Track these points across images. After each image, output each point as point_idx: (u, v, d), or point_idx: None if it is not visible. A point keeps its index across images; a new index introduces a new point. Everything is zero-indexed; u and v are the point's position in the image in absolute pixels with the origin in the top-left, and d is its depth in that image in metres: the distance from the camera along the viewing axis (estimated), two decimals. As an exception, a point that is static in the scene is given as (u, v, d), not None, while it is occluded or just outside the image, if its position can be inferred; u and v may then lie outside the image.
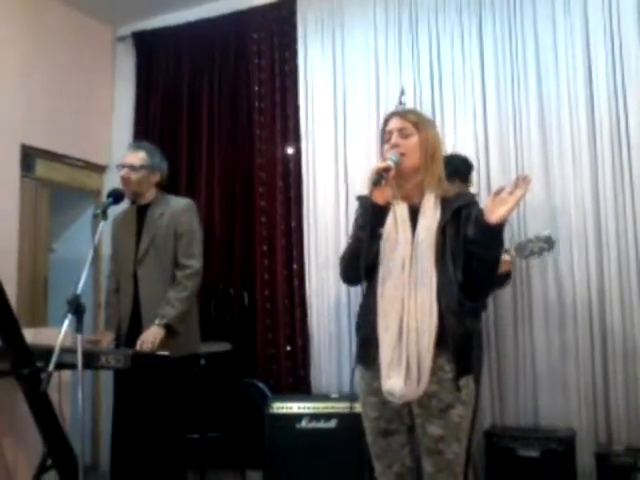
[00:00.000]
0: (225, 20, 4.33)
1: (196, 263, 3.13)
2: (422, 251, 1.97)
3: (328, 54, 3.99)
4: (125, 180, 3.13)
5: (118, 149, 4.36)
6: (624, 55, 3.28)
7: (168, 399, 3.04)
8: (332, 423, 3.33)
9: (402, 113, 2.15)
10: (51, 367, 2.05)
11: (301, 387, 3.84)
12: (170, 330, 2.97)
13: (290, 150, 4.09)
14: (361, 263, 1.94)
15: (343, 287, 3.68)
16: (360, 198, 2.16)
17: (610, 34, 3.32)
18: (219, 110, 4.32)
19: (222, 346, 3.85)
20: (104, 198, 2.76)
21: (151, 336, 2.90)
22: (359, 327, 2.13)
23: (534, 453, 3.08)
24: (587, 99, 3.34)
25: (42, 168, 4.21)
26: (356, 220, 2.17)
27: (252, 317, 4.05)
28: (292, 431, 3.35)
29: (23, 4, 4.08)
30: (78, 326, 2.14)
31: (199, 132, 4.35)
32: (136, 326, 3.05)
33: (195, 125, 4.38)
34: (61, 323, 2.12)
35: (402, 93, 3.66)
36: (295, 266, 3.97)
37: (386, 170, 1.94)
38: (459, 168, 2.99)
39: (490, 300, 3.37)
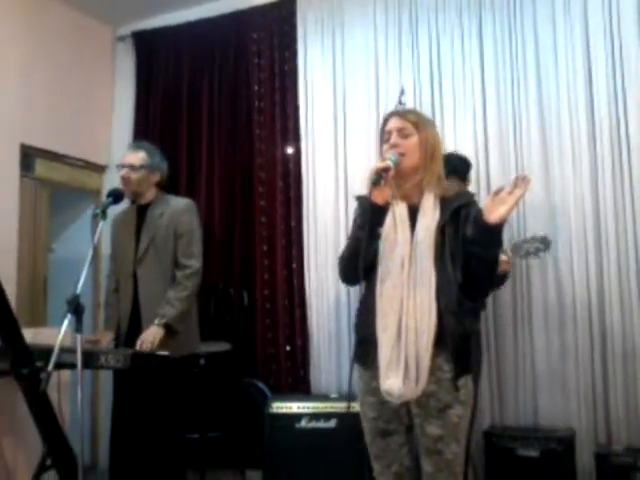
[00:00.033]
0: (225, 20, 4.32)
1: (196, 263, 3.13)
2: (421, 251, 1.97)
3: (328, 54, 3.99)
4: (125, 180, 3.13)
5: (118, 149, 4.36)
6: (624, 55, 3.27)
7: (168, 399, 3.04)
8: (332, 423, 3.34)
9: (402, 113, 2.14)
10: (50, 367, 2.05)
11: (301, 387, 3.84)
12: (170, 330, 2.97)
13: (290, 150, 4.09)
14: (360, 263, 1.94)
15: (343, 287, 3.67)
16: (359, 198, 2.16)
17: (610, 34, 3.31)
18: (219, 110, 4.32)
19: (222, 346, 3.85)
20: (104, 198, 2.77)
21: (151, 336, 2.91)
22: (357, 327, 2.13)
23: (534, 453, 3.08)
24: (587, 99, 3.34)
25: (42, 168, 4.21)
26: (355, 220, 2.17)
27: (252, 317, 4.05)
28: (292, 431, 3.35)
29: (23, 4, 4.08)
30: (77, 326, 2.15)
31: (199, 132, 4.35)
32: (136, 326, 3.05)
33: (195, 125, 4.38)
34: (60, 323, 2.12)
35: (402, 93, 3.65)
36: (295, 266, 3.97)
37: (385, 170, 1.94)
38: (457, 167, 2.98)
39: (489, 300, 3.38)
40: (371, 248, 2.00)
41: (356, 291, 3.24)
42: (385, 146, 2.08)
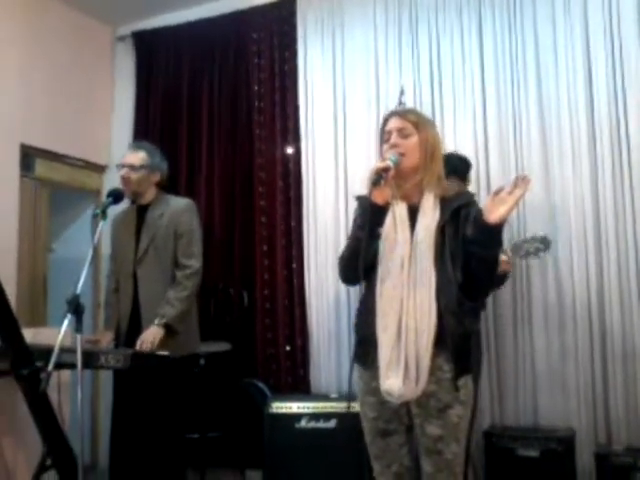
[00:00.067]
0: (225, 20, 4.32)
1: (196, 263, 3.13)
2: (421, 251, 1.97)
3: (328, 54, 3.99)
4: (125, 180, 3.13)
5: (118, 149, 4.36)
6: (624, 55, 3.27)
7: (168, 399, 3.04)
8: (332, 423, 3.34)
9: (402, 113, 2.14)
10: (50, 367, 2.05)
11: (301, 387, 3.84)
12: (170, 330, 2.97)
13: (290, 150, 4.09)
14: (360, 263, 1.94)
15: (343, 287, 3.67)
16: (359, 198, 2.16)
17: (610, 34, 3.31)
18: (219, 110, 4.32)
19: (222, 346, 3.85)
20: (104, 198, 2.77)
21: (150, 336, 2.91)
22: (357, 327, 2.13)
23: (534, 453, 3.08)
24: (587, 99, 3.34)
25: (42, 168, 4.21)
26: (355, 220, 2.17)
27: (252, 317, 4.05)
28: (292, 431, 3.35)
29: (23, 4, 4.08)
30: (77, 326, 2.15)
31: (199, 132, 4.35)
32: (135, 326, 3.05)
33: (195, 125, 4.38)
34: (60, 323, 2.12)
35: (402, 93, 3.66)
36: (295, 266, 3.97)
37: (385, 170, 1.94)
38: (457, 167, 2.98)
39: (489, 300, 3.38)
40: (371, 248, 2.00)
41: (356, 291, 3.24)
42: (385, 146, 2.08)
